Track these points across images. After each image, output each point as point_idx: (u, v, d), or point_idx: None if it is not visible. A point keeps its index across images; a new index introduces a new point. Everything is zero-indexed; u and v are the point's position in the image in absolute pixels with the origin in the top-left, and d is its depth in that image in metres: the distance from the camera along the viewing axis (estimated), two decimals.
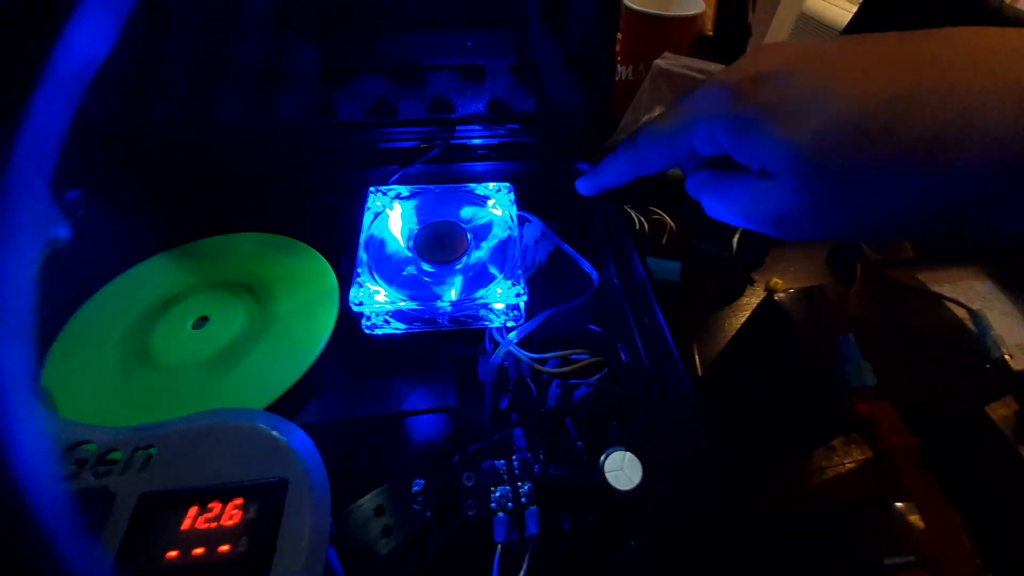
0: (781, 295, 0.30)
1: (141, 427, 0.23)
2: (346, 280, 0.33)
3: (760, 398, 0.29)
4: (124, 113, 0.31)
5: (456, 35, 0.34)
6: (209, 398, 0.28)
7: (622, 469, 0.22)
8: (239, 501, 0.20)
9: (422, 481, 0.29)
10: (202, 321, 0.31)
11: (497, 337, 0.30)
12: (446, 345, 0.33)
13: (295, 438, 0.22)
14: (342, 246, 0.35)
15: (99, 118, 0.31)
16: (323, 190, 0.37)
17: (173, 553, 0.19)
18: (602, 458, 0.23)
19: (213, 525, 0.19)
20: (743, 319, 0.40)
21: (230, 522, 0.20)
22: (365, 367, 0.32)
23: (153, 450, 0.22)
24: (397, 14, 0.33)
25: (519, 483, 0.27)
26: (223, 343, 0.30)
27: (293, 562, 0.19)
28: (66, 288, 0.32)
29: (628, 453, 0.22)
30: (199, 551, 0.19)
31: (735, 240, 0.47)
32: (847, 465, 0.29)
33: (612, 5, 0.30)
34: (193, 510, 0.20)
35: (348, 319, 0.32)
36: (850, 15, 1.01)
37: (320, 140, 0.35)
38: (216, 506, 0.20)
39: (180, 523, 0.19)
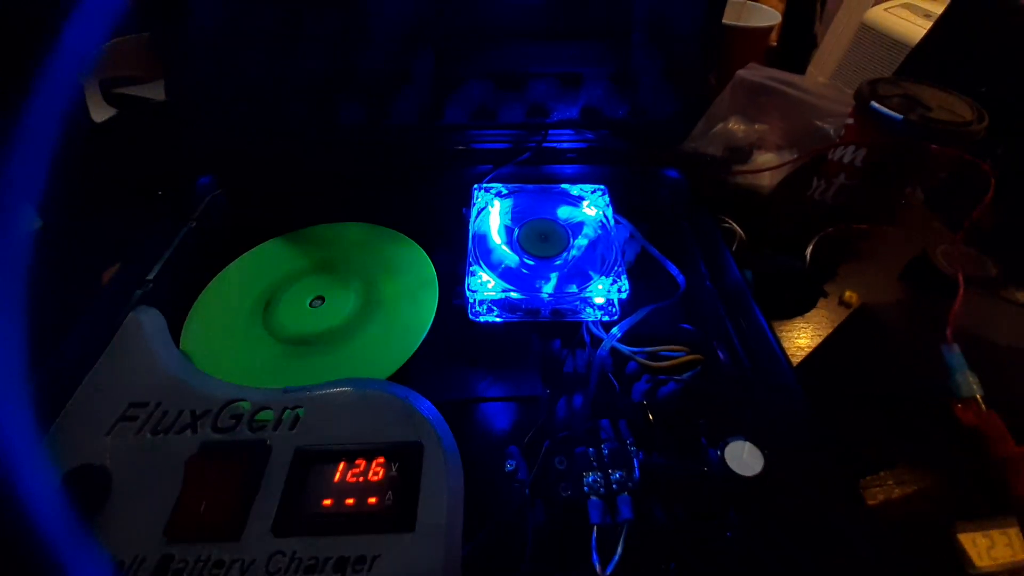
0: (873, 306, 0.30)
1: (288, 390, 0.25)
2: (444, 271, 0.35)
3: (857, 405, 0.29)
4: (260, 113, 0.35)
5: (560, 45, 0.36)
6: (327, 372, 0.30)
7: (743, 457, 0.23)
8: (382, 460, 0.22)
9: (513, 461, 0.30)
10: (319, 300, 0.34)
11: (595, 331, 0.31)
12: (535, 337, 0.34)
13: (424, 406, 0.24)
14: (439, 239, 0.37)
15: (238, 117, 0.34)
16: (424, 187, 0.39)
17: (328, 501, 0.21)
18: (721, 445, 0.24)
19: (360, 480, 0.22)
20: (816, 329, 0.40)
21: (375, 477, 0.22)
22: (458, 354, 0.34)
23: (301, 411, 0.24)
24: (506, 25, 0.35)
25: (610, 471, 0.29)
26: (337, 322, 0.33)
27: (435, 516, 0.20)
28: (200, 262, 0.35)
29: (748, 443, 0.23)
30: (350, 501, 0.21)
31: (808, 251, 0.47)
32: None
33: (716, 19, 0.32)
34: (342, 465, 0.22)
35: (445, 308, 0.34)
36: (918, 28, 0.98)
37: (426, 141, 0.37)
38: (362, 463, 0.22)
39: (332, 476, 0.22)
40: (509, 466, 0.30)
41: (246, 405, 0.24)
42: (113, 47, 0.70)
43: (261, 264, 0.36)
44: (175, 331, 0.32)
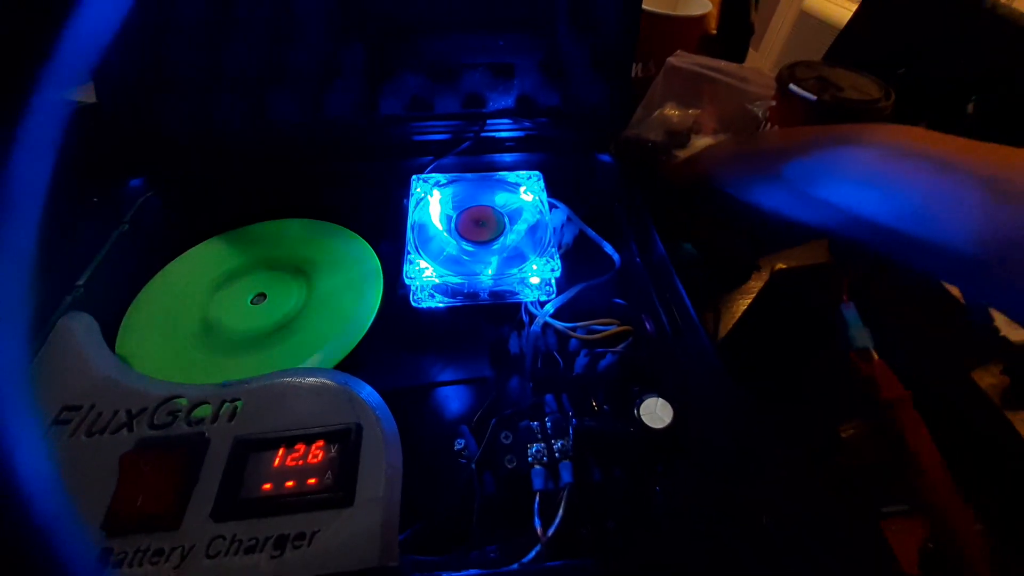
0: (786, 270, 0.33)
1: (227, 383, 0.25)
2: (389, 261, 0.36)
3: (771, 364, 0.32)
4: (191, 111, 0.34)
5: (489, 36, 0.37)
6: (271, 367, 0.31)
7: (655, 411, 0.25)
8: (321, 443, 0.23)
9: (462, 440, 0.32)
10: (260, 297, 0.34)
11: (533, 310, 0.33)
12: (480, 321, 0.36)
13: (364, 391, 0.25)
14: (382, 231, 0.38)
15: (167, 116, 0.34)
16: (364, 180, 0.39)
17: (267, 486, 0.22)
18: (637, 403, 0.26)
19: (300, 463, 0.22)
20: (749, 300, 0.43)
21: (315, 460, 0.22)
22: (407, 342, 0.35)
23: (239, 403, 0.25)
24: (435, 17, 0.36)
25: (552, 440, 0.30)
26: (279, 318, 0.33)
27: (373, 491, 0.21)
28: (134, 264, 0.34)
29: (660, 398, 0.25)
30: (290, 484, 0.22)
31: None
32: (850, 431, 0.32)
33: (634, 9, 0.33)
34: (281, 451, 0.23)
35: (391, 298, 0.35)
36: (848, 13, 1.04)
37: (362, 133, 0.38)
38: (301, 447, 0.23)
39: (271, 462, 0.22)
40: (458, 444, 0.32)
41: (183, 401, 0.25)
42: None
43: (199, 265, 0.35)
44: (110, 336, 0.31)
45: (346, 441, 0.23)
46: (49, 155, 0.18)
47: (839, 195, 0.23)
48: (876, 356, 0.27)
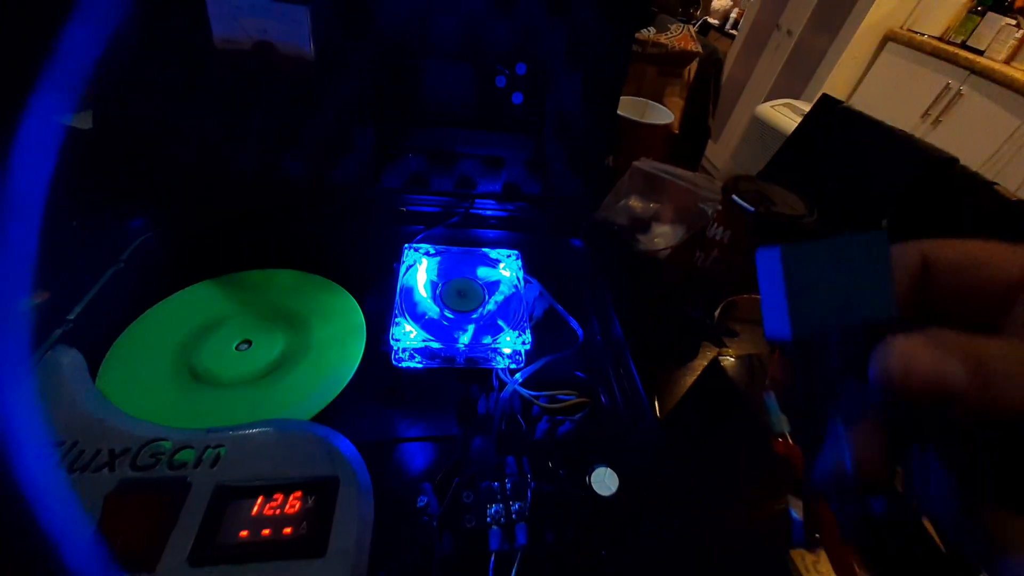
0: (725, 360, 0.38)
1: (211, 430, 0.27)
2: (373, 319, 0.39)
3: (707, 440, 0.36)
4: (203, 162, 0.37)
5: (484, 134, 0.43)
6: (250, 414, 0.32)
7: (604, 480, 0.28)
8: (299, 493, 0.25)
9: (425, 497, 0.33)
10: (245, 344, 0.36)
11: (504, 377, 0.36)
12: (452, 382, 0.38)
13: (343, 444, 0.27)
14: (368, 289, 0.41)
15: (178, 163, 0.37)
16: (357, 241, 0.43)
17: (244, 533, 0.23)
18: (589, 471, 0.29)
19: (277, 512, 0.24)
20: (694, 378, 0.48)
21: (292, 510, 0.24)
22: (382, 397, 0.37)
23: (223, 449, 0.26)
24: (441, 113, 0.41)
25: (511, 502, 0.33)
26: (263, 365, 0.35)
27: (345, 542, 0.23)
28: (125, 302, 0.36)
29: (608, 468, 0.28)
30: (266, 532, 0.23)
31: (716, 312, 0.57)
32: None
33: (607, 126, 0.40)
34: (260, 499, 0.24)
35: (372, 353, 0.37)
36: (793, 122, 1.21)
37: (363, 200, 0.42)
38: (279, 496, 0.24)
39: (250, 509, 0.24)
40: (421, 502, 0.33)
41: (167, 444, 0.26)
42: None
43: (188, 306, 0.37)
44: (94, 370, 0.32)
45: (323, 492, 0.25)
46: (42, 186, 0.20)
47: None
48: (791, 441, 0.32)
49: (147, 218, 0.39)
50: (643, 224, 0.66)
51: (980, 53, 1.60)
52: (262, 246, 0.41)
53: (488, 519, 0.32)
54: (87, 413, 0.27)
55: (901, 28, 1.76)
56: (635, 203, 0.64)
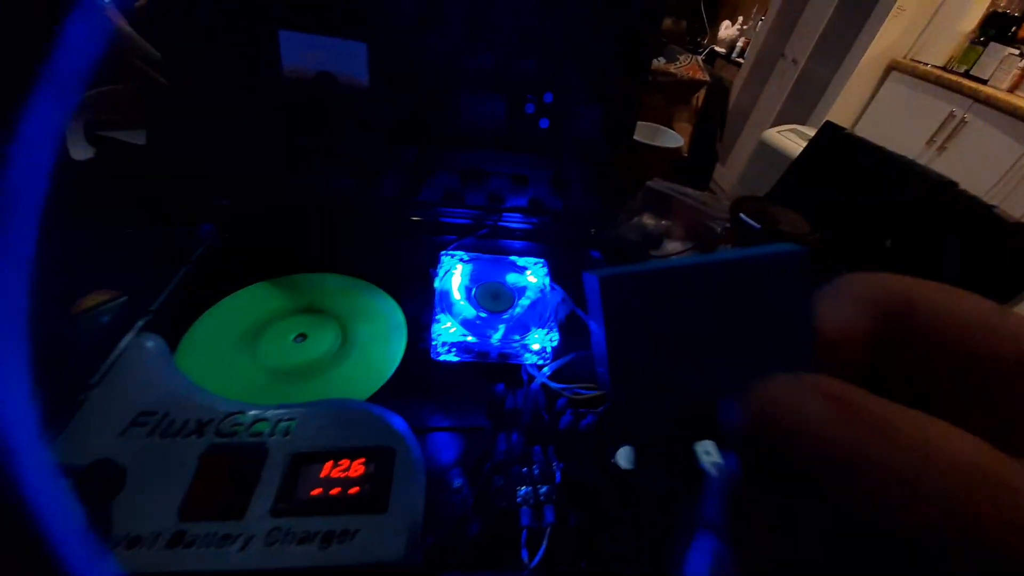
0: None
1: (282, 405, 0.31)
2: (411, 319, 0.43)
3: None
4: (267, 175, 0.42)
5: (512, 155, 0.48)
6: (307, 398, 0.36)
7: (629, 456, 0.31)
8: (362, 460, 0.28)
9: (459, 480, 0.37)
10: (301, 337, 0.40)
11: (531, 371, 0.40)
12: (484, 377, 0.42)
13: (396, 421, 0.31)
14: (407, 293, 0.45)
15: (247, 176, 0.42)
16: (398, 249, 0.47)
17: (317, 491, 0.27)
18: (611, 451, 0.32)
19: (344, 475, 0.28)
20: None
21: (356, 473, 0.28)
22: (421, 389, 0.41)
23: (293, 423, 0.30)
24: (474, 136, 0.46)
25: (539, 485, 0.36)
26: (317, 356, 0.39)
27: (403, 501, 0.27)
28: (193, 298, 0.40)
29: (631, 447, 0.31)
30: (335, 491, 0.27)
31: None
32: None
33: (621, 151, 0.45)
34: (329, 463, 0.28)
35: (412, 349, 0.41)
36: (798, 147, 1.26)
37: (403, 212, 0.46)
38: (345, 462, 0.28)
39: (320, 472, 0.28)
40: (456, 483, 0.37)
41: (245, 416, 0.30)
42: (98, 94, 0.76)
43: (248, 303, 0.41)
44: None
45: (382, 459, 0.28)
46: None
47: None
48: None
49: (214, 225, 0.43)
50: (655, 240, 0.70)
51: (984, 82, 1.65)
52: (313, 252, 0.46)
53: (519, 500, 0.35)
54: (173, 389, 0.31)
55: (904, 58, 1.81)
56: (647, 220, 0.69)
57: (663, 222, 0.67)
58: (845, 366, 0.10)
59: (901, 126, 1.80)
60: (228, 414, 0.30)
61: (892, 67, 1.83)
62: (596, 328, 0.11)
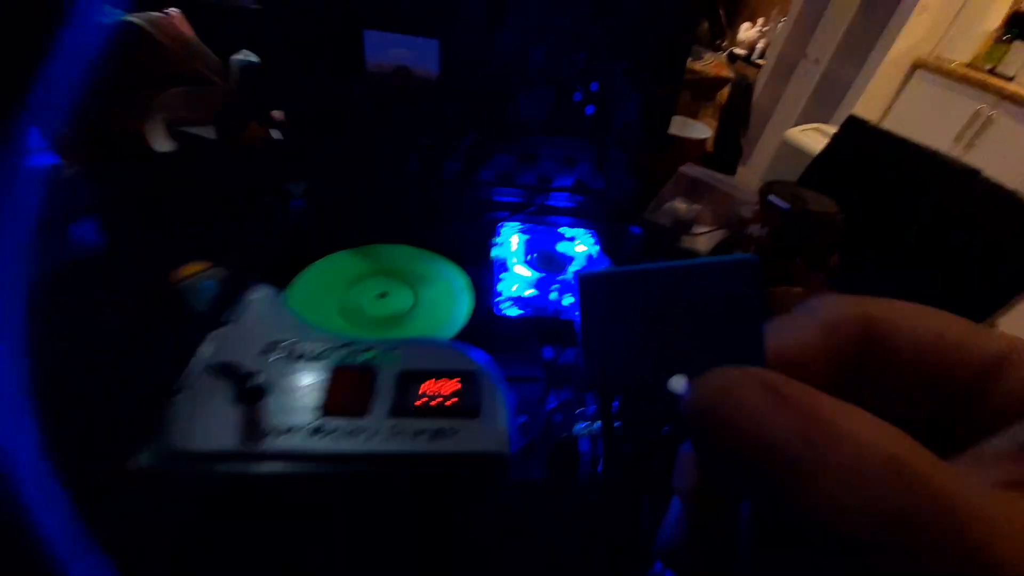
0: None
1: (385, 339, 0.37)
2: (475, 283, 0.49)
3: None
4: (349, 159, 0.49)
5: (560, 139, 0.54)
6: None
7: (681, 383, 0.36)
8: (457, 379, 0.34)
9: (523, 417, 0.42)
10: (382, 295, 0.46)
11: None
12: (538, 334, 0.48)
13: (478, 353, 0.37)
14: (469, 261, 0.51)
15: (332, 159, 0.49)
16: (459, 223, 0.54)
17: (421, 401, 0.33)
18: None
19: (444, 389, 0.33)
20: None
21: (451, 390, 0.34)
22: (485, 343, 0.47)
23: (396, 352, 0.36)
24: (527, 123, 0.52)
25: (593, 422, 0.41)
26: (396, 311, 0.45)
27: (491, 411, 0.32)
28: (289, 261, 0.47)
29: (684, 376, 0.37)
30: (436, 401, 0.33)
31: None
32: None
33: (658, 139, 0.50)
34: (431, 380, 0.34)
35: (477, 308, 0.47)
36: (819, 144, 1.29)
37: (463, 191, 0.52)
38: (443, 381, 0.34)
39: (421, 387, 0.33)
40: (520, 420, 0.42)
41: (358, 346, 0.36)
42: (172, 95, 0.85)
43: (336, 266, 0.48)
44: None
45: (470, 380, 0.34)
46: None
47: None
48: None
49: (304, 199, 0.50)
50: (685, 225, 0.75)
51: (1010, 79, 1.65)
52: (387, 225, 0.52)
53: (575, 432, 0.41)
54: (293, 325, 0.37)
55: (929, 56, 1.82)
56: (679, 205, 0.73)
57: (695, 206, 0.72)
58: (809, 383, 0.10)
59: (927, 124, 1.80)
60: (344, 343, 0.36)
61: (917, 65, 1.84)
62: (577, 320, 0.15)
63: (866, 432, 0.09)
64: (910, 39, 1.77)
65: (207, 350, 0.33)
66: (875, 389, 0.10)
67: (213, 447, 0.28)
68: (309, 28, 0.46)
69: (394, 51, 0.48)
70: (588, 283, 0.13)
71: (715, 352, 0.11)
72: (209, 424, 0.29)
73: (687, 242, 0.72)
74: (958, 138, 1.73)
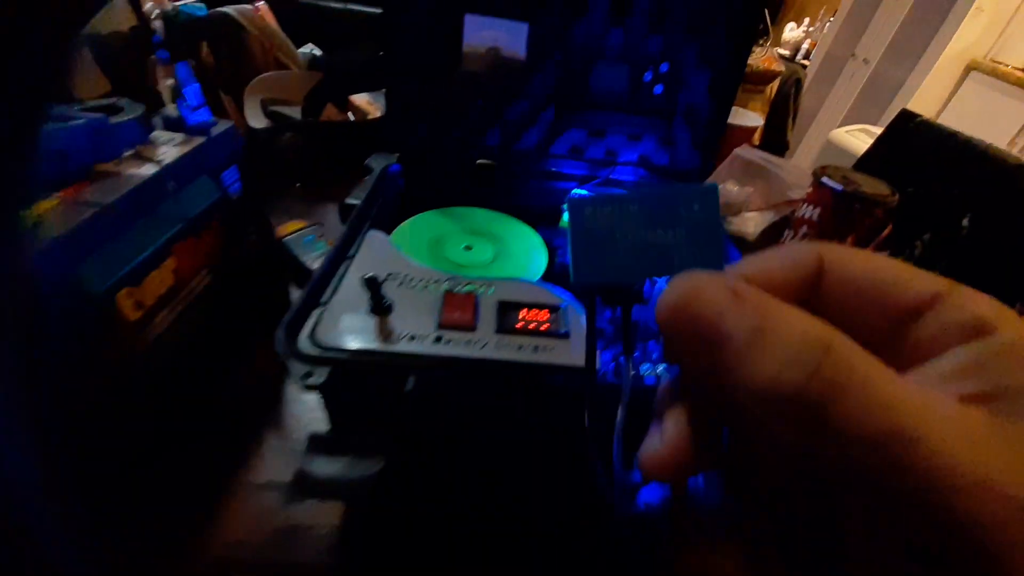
0: None
1: (481, 277, 0.43)
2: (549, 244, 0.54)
3: None
4: (440, 130, 0.56)
5: (628, 116, 0.58)
6: None
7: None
8: (547, 310, 0.39)
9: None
10: (468, 248, 0.52)
11: (647, 290, 0.50)
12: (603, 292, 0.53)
13: (561, 291, 0.42)
14: (540, 225, 0.56)
15: (426, 131, 0.55)
16: (531, 190, 0.59)
17: (519, 324, 0.38)
18: None
19: (537, 316, 0.39)
20: None
21: (544, 317, 0.39)
22: None
23: (492, 289, 0.42)
24: (598, 101, 0.58)
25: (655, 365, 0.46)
26: (484, 259, 0.51)
27: (578, 334, 0.38)
28: (386, 218, 0.53)
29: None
30: (532, 325, 0.38)
31: None
32: None
33: (723, 118, 0.55)
34: (524, 310, 0.39)
35: (550, 264, 0.52)
36: (865, 146, 1.30)
37: (536, 162, 0.58)
38: (535, 310, 0.39)
39: (519, 314, 0.39)
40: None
41: (461, 279, 0.42)
42: (264, 79, 0.94)
43: (424, 223, 0.54)
44: None
45: (557, 311, 0.39)
46: None
47: None
48: None
49: (400, 165, 0.57)
50: (735, 208, 0.79)
51: None
52: (469, 190, 0.58)
53: (643, 372, 0.45)
54: (403, 262, 0.44)
55: (984, 58, 1.78)
56: (731, 186, 0.77)
57: (746, 188, 0.76)
58: None
59: (980, 127, 1.74)
60: (447, 278, 0.42)
61: (971, 68, 1.80)
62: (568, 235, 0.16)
63: (805, 323, 0.11)
64: (964, 40, 1.73)
65: (345, 271, 0.40)
66: (826, 316, 0.12)
67: (359, 346, 0.35)
68: (420, 20, 0.52)
69: (488, 33, 0.53)
70: (577, 204, 0.16)
71: (682, 260, 0.14)
72: (355, 327, 0.35)
73: (737, 223, 0.76)
74: (1011, 143, 1.69)
